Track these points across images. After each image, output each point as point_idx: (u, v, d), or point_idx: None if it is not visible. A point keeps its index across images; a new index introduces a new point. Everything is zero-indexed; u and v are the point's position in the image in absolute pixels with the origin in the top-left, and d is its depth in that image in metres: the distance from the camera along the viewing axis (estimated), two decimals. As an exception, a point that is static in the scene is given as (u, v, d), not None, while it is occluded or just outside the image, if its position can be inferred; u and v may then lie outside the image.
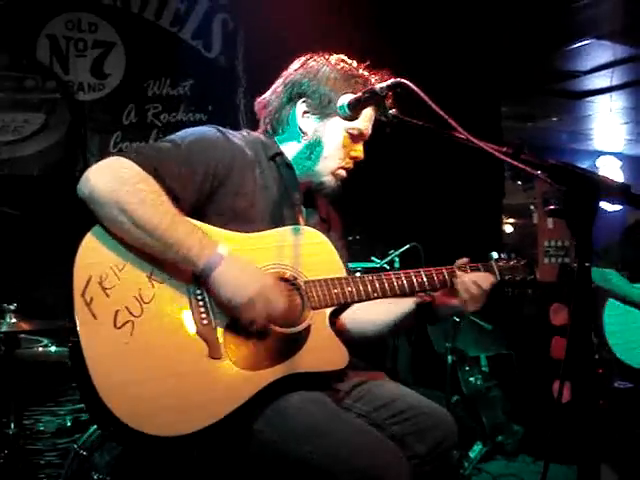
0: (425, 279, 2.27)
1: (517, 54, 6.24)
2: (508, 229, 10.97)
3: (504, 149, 1.52)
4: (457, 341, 5.05)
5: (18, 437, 3.28)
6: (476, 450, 4.82)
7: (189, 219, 1.97)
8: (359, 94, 2.00)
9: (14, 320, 3.24)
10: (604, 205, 1.39)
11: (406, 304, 2.32)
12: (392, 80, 1.88)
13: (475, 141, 1.55)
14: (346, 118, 2.09)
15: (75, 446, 3.29)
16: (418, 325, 2.41)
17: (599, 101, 7.82)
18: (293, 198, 2.27)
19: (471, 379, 5.29)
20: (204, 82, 5.05)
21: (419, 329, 5.11)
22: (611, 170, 9.53)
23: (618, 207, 1.51)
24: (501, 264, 2.41)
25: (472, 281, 2.23)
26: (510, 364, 5.73)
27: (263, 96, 2.37)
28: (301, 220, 2.30)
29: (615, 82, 6.92)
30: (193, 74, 5.02)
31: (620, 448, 4.08)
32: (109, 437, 2.62)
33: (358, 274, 2.28)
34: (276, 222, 2.17)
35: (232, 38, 5.16)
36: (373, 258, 4.61)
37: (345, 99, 2.04)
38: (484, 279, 2.26)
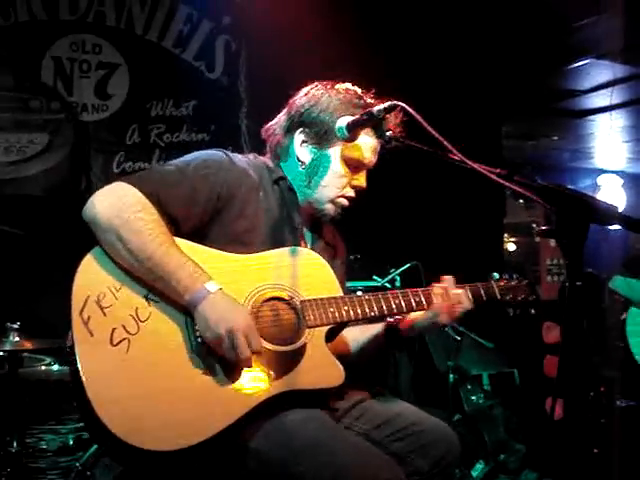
0: (423, 298, 2.28)
1: (517, 74, 6.29)
2: (511, 247, 10.99)
3: (497, 170, 1.55)
4: (459, 359, 5.06)
5: (21, 455, 3.29)
6: (478, 469, 4.81)
7: (183, 244, 2.01)
8: (357, 116, 2.04)
9: (17, 339, 3.27)
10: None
11: (376, 327, 2.37)
12: (389, 102, 1.91)
13: (469, 162, 1.59)
14: (345, 140, 2.14)
15: (77, 464, 3.32)
16: (388, 349, 2.44)
17: (599, 120, 7.86)
18: (295, 221, 2.30)
19: (473, 397, 5.28)
20: (207, 103, 5.11)
21: (420, 348, 5.11)
22: (612, 188, 9.54)
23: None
24: (502, 284, 2.43)
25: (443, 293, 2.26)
26: (512, 382, 5.73)
27: (270, 123, 2.40)
28: (303, 243, 2.33)
29: (615, 101, 6.95)
30: (196, 95, 5.08)
31: (620, 467, 4.08)
32: (109, 455, 2.64)
33: (359, 293, 2.30)
34: (277, 245, 2.19)
35: (234, 59, 5.22)
36: (374, 277, 4.63)
37: (343, 121, 2.08)
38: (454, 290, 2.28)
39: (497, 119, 6.75)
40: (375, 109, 1.95)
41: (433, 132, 1.67)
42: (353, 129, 2.07)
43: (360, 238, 4.97)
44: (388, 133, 1.96)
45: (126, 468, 2.28)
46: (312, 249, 2.32)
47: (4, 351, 3.27)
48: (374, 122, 1.97)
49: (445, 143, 1.65)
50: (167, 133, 5.00)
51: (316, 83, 2.33)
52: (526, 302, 2.45)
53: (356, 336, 2.43)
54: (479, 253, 5.87)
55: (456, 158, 1.63)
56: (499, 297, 2.40)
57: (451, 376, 4.59)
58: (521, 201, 9.37)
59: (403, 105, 1.84)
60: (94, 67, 4.79)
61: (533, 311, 2.47)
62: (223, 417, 1.90)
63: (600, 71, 6.36)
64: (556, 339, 5.54)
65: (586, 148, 9.37)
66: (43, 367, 3.61)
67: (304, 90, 2.33)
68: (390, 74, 5.31)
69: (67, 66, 4.70)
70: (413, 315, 2.32)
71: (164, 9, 4.99)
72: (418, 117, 1.74)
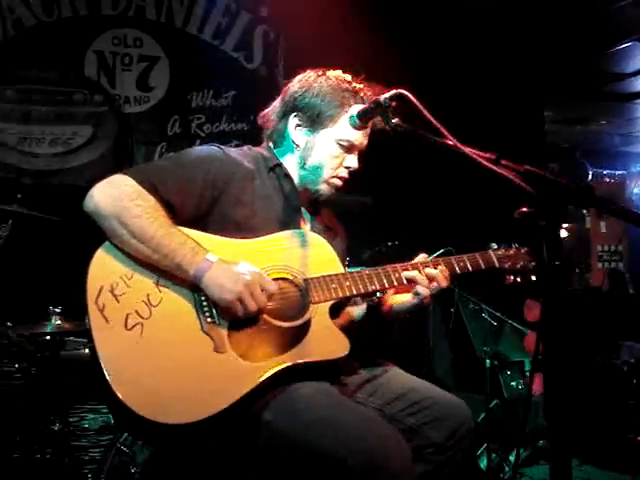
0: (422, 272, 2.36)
1: (558, 57, 6.19)
2: (562, 234, 10.84)
3: (487, 155, 1.60)
4: (499, 345, 5.06)
5: (64, 434, 3.45)
6: (517, 454, 4.81)
7: (183, 230, 2.11)
8: (366, 105, 2.14)
9: (59, 322, 3.43)
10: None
11: (360, 307, 2.48)
12: (393, 91, 1.98)
13: (462, 148, 1.63)
14: (356, 127, 2.24)
15: (118, 443, 3.45)
16: (372, 328, 2.53)
17: (647, 103, 7.70)
18: (294, 205, 2.39)
19: (512, 383, 5.27)
20: (246, 92, 5.23)
21: (460, 333, 5.12)
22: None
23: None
24: (500, 253, 2.52)
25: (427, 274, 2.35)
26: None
27: (265, 110, 2.51)
28: (303, 225, 2.43)
29: (661, 84, 6.82)
30: (235, 85, 5.22)
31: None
32: (128, 432, 2.77)
33: (361, 269, 2.38)
34: (277, 229, 2.28)
35: (273, 49, 5.33)
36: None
37: (354, 110, 2.19)
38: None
39: (539, 104, 6.67)
40: (381, 97, 2.02)
41: (430, 118, 1.73)
42: (364, 117, 2.17)
43: (398, 225, 5.03)
44: (394, 120, 2.01)
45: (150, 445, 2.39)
46: (312, 230, 2.41)
47: (47, 334, 3.44)
48: (382, 110, 2.03)
49: (441, 129, 1.70)
50: (207, 123, 5.14)
51: (309, 71, 2.42)
52: (526, 269, 2.52)
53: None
54: (517, 240, 5.82)
55: (450, 143, 1.68)
56: (497, 265, 2.48)
57: (488, 362, 4.58)
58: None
59: (406, 93, 1.90)
60: (136, 60, 4.95)
61: (534, 278, 2.51)
62: (235, 390, 1.99)
63: (644, 53, 6.23)
64: (537, 317, 5.50)
65: (637, 132, 9.17)
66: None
67: (298, 77, 2.43)
68: (431, 61, 5.31)
69: (109, 60, 4.88)
70: (395, 298, 2.45)
71: (203, 2, 5.13)
72: (418, 104, 1.80)
